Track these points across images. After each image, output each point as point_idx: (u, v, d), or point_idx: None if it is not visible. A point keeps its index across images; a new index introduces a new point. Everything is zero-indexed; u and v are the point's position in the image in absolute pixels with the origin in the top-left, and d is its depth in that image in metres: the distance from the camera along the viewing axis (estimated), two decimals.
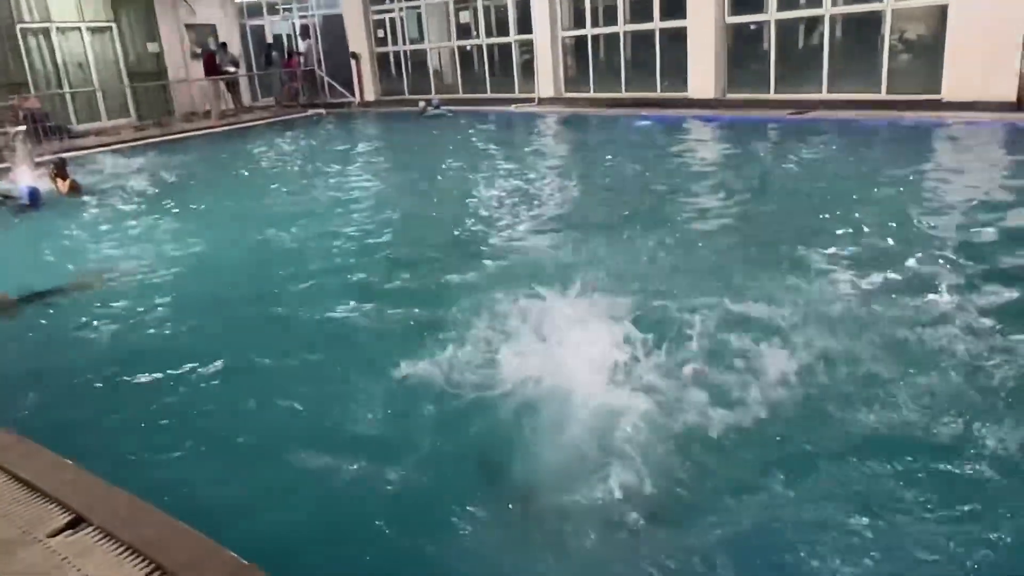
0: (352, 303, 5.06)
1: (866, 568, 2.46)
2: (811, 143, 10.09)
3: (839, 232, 5.91)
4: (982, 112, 10.28)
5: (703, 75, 13.67)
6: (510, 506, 2.90)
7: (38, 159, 10.79)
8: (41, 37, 16.88)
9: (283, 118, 18.28)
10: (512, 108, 16.25)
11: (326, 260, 6.30)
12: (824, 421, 3.28)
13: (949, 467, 2.90)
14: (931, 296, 4.47)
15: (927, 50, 11.49)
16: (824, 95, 12.42)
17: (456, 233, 6.92)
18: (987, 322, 4.06)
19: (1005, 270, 4.90)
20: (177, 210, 8.84)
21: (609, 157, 10.54)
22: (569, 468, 3.03)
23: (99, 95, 17.62)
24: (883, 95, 11.76)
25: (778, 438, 3.17)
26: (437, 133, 14.47)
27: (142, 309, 5.32)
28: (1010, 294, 4.45)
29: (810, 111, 12.01)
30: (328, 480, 3.10)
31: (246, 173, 11.81)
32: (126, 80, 18.20)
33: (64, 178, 9.80)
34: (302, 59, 20.69)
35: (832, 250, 5.42)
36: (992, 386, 3.44)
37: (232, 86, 19.78)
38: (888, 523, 2.64)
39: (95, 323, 5.13)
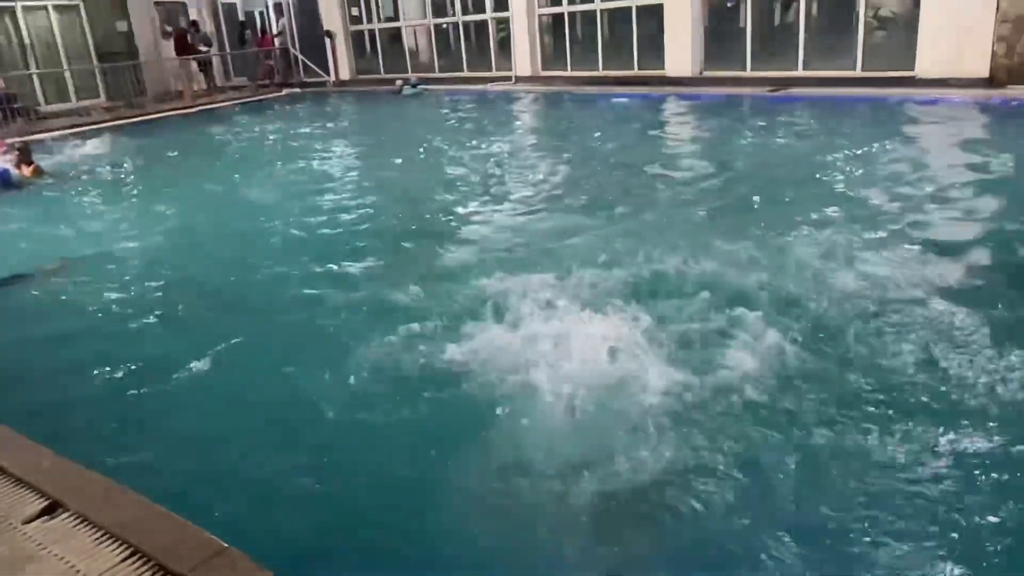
0: (330, 286, 5.03)
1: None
2: (784, 120, 10.14)
3: (811, 207, 6.01)
4: (955, 89, 10.36)
5: (680, 53, 13.65)
6: (492, 488, 2.93)
7: (5, 141, 10.56)
8: (6, 16, 16.45)
9: (257, 98, 18.02)
10: (489, 87, 16.14)
11: (301, 241, 6.25)
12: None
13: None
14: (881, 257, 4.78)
15: (901, 27, 11.54)
16: (800, 72, 12.46)
17: (432, 212, 6.90)
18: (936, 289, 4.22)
19: (955, 241, 5.11)
20: (147, 193, 8.71)
21: (585, 135, 10.51)
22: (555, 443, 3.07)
23: (67, 75, 17.24)
24: (858, 72, 11.81)
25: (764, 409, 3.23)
26: (414, 112, 14.34)
27: (110, 294, 5.25)
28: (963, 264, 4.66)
29: (786, 88, 12.04)
30: (304, 463, 3.11)
31: (219, 154, 11.64)
32: (95, 60, 17.80)
33: (29, 164, 9.61)
34: (276, 39, 20.37)
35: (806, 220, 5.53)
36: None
37: (204, 65, 19.45)
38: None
39: (62, 309, 5.08)
